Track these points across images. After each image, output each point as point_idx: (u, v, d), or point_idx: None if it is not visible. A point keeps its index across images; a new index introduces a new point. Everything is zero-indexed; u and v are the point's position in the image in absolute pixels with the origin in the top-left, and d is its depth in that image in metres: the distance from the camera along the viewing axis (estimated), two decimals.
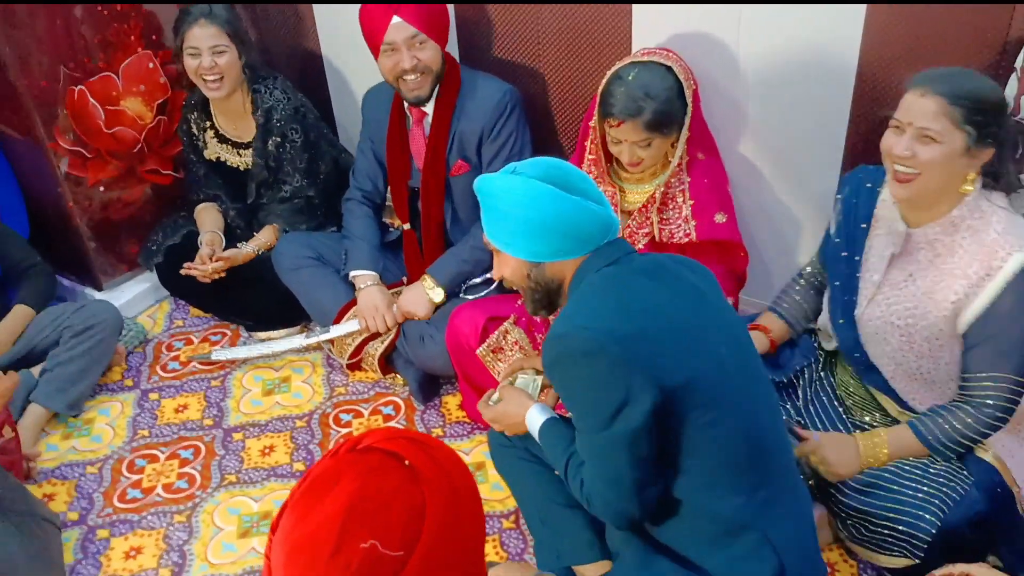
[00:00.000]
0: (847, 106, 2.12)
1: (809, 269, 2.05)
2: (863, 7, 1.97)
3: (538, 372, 1.85)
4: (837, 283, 1.87)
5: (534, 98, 2.59)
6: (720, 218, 2.12)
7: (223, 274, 2.75)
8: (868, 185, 1.82)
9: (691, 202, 2.11)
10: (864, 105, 2.10)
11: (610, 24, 2.36)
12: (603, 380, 1.41)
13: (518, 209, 1.50)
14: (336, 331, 2.59)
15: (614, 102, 1.97)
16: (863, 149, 2.14)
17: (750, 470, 1.49)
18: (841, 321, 1.86)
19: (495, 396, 1.81)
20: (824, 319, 1.96)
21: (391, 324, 2.51)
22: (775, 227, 2.40)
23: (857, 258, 1.82)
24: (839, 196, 1.88)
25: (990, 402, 1.67)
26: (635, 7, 2.27)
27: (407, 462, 0.98)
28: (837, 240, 1.87)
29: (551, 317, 2.20)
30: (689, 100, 2.00)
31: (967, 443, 1.72)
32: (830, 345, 1.99)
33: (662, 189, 2.10)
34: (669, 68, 1.98)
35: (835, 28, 2.04)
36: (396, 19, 2.27)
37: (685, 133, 2.03)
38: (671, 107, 1.98)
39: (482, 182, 1.57)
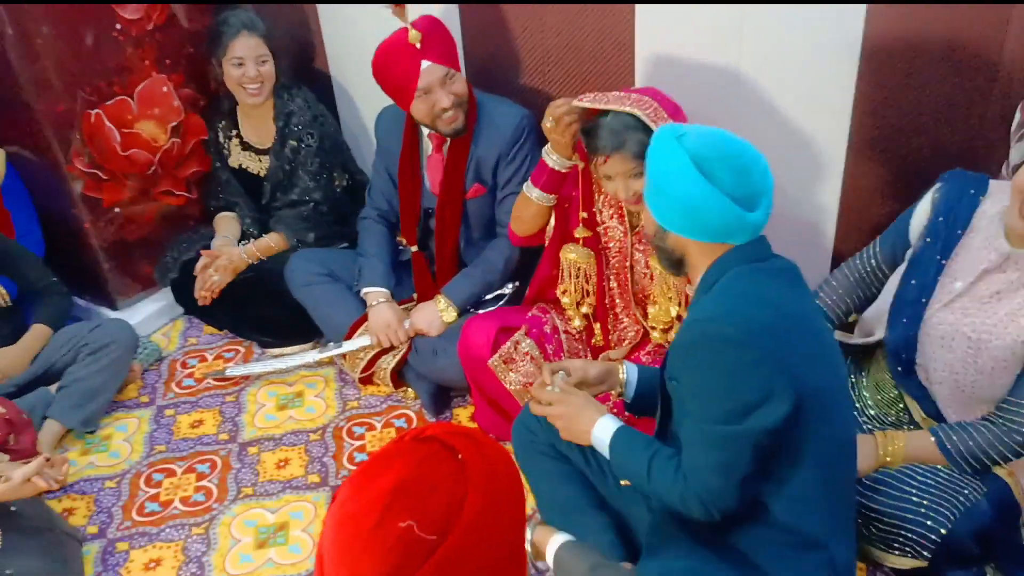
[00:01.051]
0: (845, 133, 2.18)
1: (861, 260, 1.97)
2: (860, 34, 2.02)
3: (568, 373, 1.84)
4: (913, 281, 1.81)
5: (539, 118, 2.64)
6: None
7: (217, 293, 2.81)
8: (971, 191, 1.77)
9: None
10: (864, 129, 2.16)
11: (614, 45, 2.42)
12: (746, 373, 1.41)
13: (656, 176, 1.51)
14: (348, 346, 2.63)
15: (598, 141, 1.95)
16: (863, 175, 2.20)
17: (837, 490, 1.52)
18: (904, 320, 1.81)
19: (551, 387, 1.78)
20: (876, 311, 1.91)
21: (403, 340, 2.55)
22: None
23: (944, 261, 1.77)
24: (936, 194, 1.81)
25: (1022, 430, 1.69)
26: (637, 31, 2.33)
27: (460, 456, 1.05)
28: (928, 240, 1.80)
29: (579, 326, 2.28)
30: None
31: (987, 461, 1.74)
32: (860, 339, 1.95)
33: None
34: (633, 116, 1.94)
35: (831, 64, 2.10)
36: (427, 63, 2.27)
37: None
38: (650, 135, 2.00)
39: (653, 137, 1.56)
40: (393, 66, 2.31)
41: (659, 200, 1.52)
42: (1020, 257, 1.67)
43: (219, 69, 2.76)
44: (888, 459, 1.81)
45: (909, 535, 1.73)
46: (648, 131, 1.89)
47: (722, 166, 1.46)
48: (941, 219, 1.78)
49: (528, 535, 1.83)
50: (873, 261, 1.95)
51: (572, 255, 2.22)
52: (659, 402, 1.68)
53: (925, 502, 1.73)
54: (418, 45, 2.26)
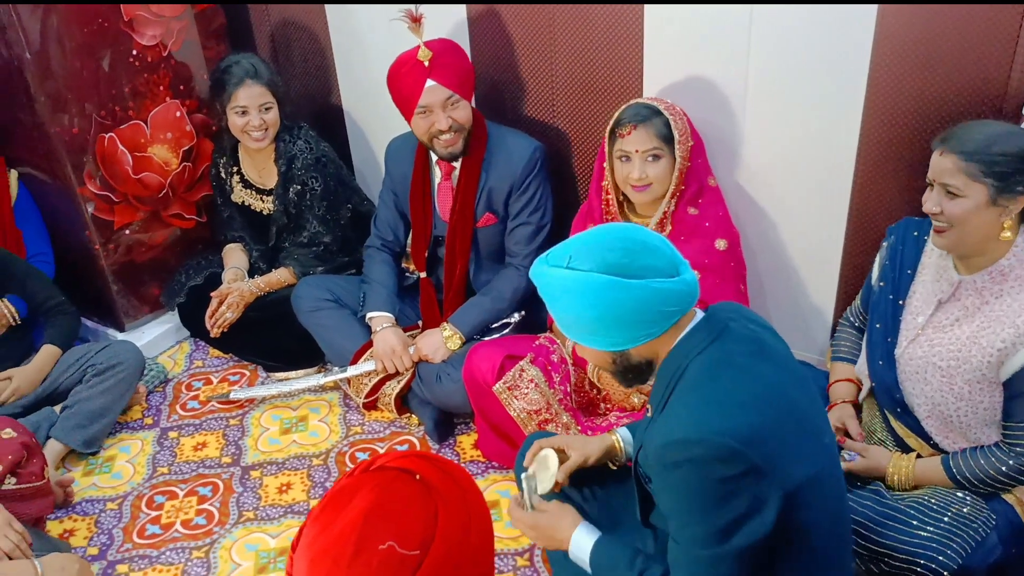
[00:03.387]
0: (851, 162, 2.19)
1: (851, 313, 2.15)
2: (869, 47, 2.04)
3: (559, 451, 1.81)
4: (878, 325, 1.93)
5: (549, 148, 2.67)
6: (721, 244, 2.18)
7: (227, 328, 2.83)
8: (915, 234, 1.90)
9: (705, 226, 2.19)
10: (869, 157, 2.17)
11: (621, 74, 2.45)
12: (730, 489, 1.32)
13: (581, 308, 1.39)
14: (352, 371, 2.64)
15: (625, 115, 2.10)
16: (870, 192, 2.21)
17: (834, 567, 1.49)
18: (880, 363, 1.91)
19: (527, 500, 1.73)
20: (861, 362, 2.02)
21: (408, 365, 2.56)
22: (778, 271, 2.45)
23: (901, 302, 1.89)
24: (885, 243, 1.97)
25: None
26: (646, 56, 2.36)
27: (418, 476, 1.07)
28: (882, 283, 1.94)
29: (595, 376, 2.27)
30: (677, 130, 2.09)
31: (992, 483, 1.76)
32: (861, 397, 2.05)
33: (669, 225, 2.17)
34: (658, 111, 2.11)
35: (841, 77, 2.11)
36: (431, 82, 2.33)
37: (681, 164, 2.11)
38: (673, 125, 2.09)
39: (538, 276, 1.46)
40: (401, 78, 2.38)
41: (607, 330, 1.41)
42: (969, 283, 1.76)
43: (223, 115, 2.78)
44: (897, 477, 1.85)
45: (920, 570, 1.72)
46: (670, 119, 2.08)
47: (625, 258, 1.37)
48: (888, 264, 1.93)
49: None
50: (856, 311, 2.14)
51: None
52: (636, 491, 1.63)
53: (937, 536, 1.72)
54: (426, 63, 2.32)
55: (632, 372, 1.50)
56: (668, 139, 2.09)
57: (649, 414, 1.52)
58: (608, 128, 2.15)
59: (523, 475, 1.75)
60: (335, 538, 1.01)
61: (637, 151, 2.09)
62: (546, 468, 1.77)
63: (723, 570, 1.37)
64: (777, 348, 1.50)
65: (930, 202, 1.71)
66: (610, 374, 1.54)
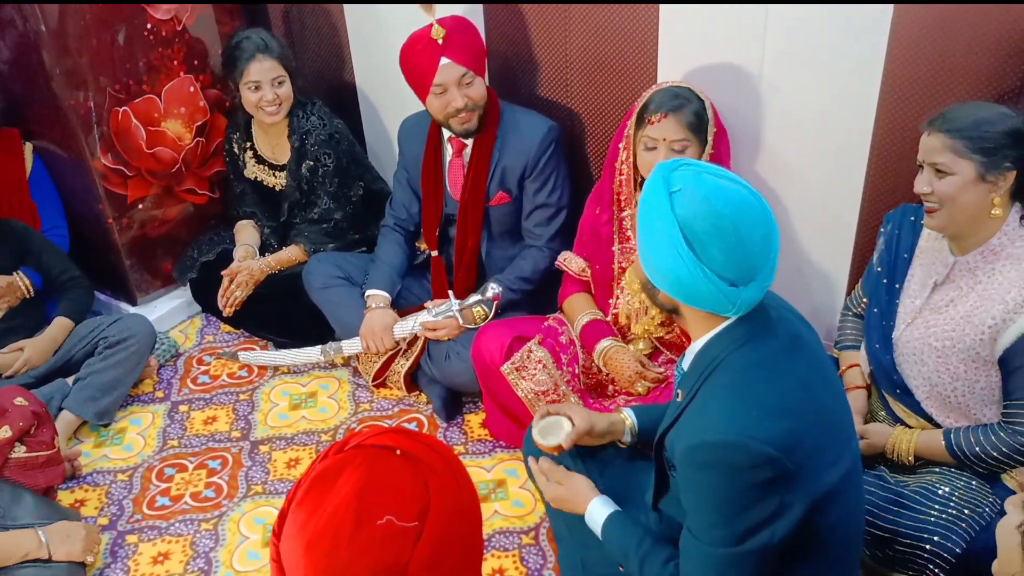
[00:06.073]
0: (866, 148, 2.17)
1: (852, 301, 2.18)
2: (887, 30, 2.01)
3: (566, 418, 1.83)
4: (876, 309, 1.97)
5: (563, 128, 2.66)
6: None
7: (239, 306, 2.85)
8: (912, 219, 1.94)
9: None
10: (884, 144, 2.15)
11: (636, 54, 2.43)
12: (758, 495, 1.32)
13: (644, 232, 1.39)
14: (347, 346, 2.67)
15: (655, 101, 2.07)
16: (884, 177, 2.19)
17: (844, 560, 1.49)
18: (877, 345, 1.94)
19: (552, 474, 1.79)
20: (862, 348, 2.05)
21: (389, 346, 2.56)
22: (790, 255, 2.44)
23: (898, 286, 1.92)
24: (883, 230, 2.00)
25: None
26: (661, 40, 2.35)
27: (398, 451, 1.08)
28: (879, 269, 1.98)
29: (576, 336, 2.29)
30: (710, 116, 2.08)
31: (991, 461, 1.76)
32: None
33: None
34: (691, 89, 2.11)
35: (855, 74, 2.09)
36: (445, 60, 2.32)
37: (708, 150, 2.10)
38: (705, 115, 2.07)
39: (658, 171, 1.39)
40: (414, 57, 2.37)
41: (646, 257, 1.41)
42: (963, 263, 1.79)
43: (236, 91, 2.78)
44: (900, 447, 1.88)
45: (926, 554, 1.72)
46: (703, 108, 2.06)
47: (714, 242, 1.31)
48: (884, 249, 1.98)
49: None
50: (857, 298, 2.16)
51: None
52: (655, 475, 1.63)
53: (943, 519, 1.73)
54: (440, 41, 2.31)
55: (656, 300, 1.50)
56: (696, 128, 2.06)
57: (679, 398, 1.50)
58: (636, 110, 2.12)
59: (534, 426, 1.79)
60: (329, 519, 1.01)
61: (665, 139, 2.06)
62: (560, 429, 1.78)
63: (738, 570, 1.37)
64: (810, 342, 1.48)
65: (920, 183, 1.75)
66: (643, 287, 1.53)
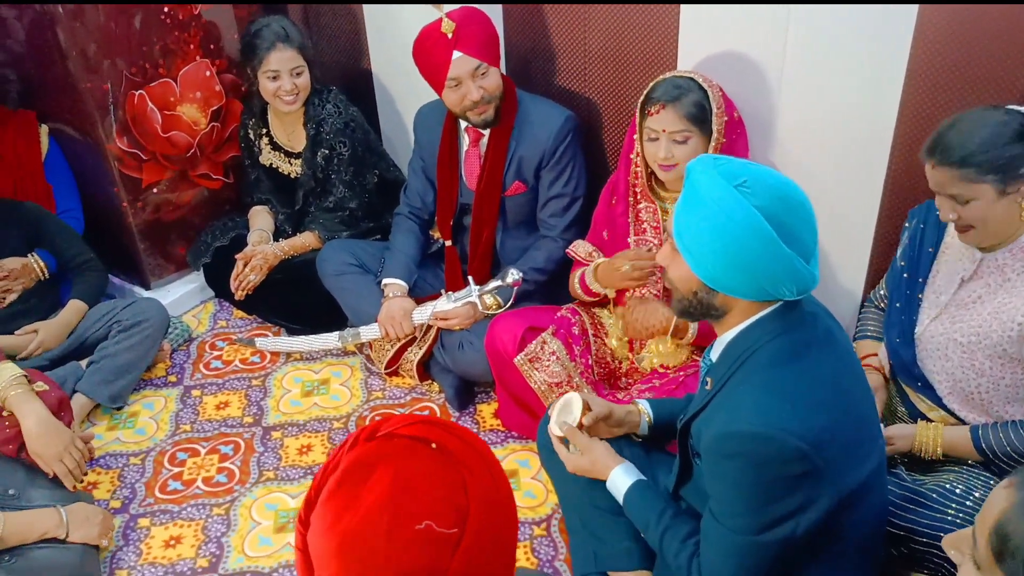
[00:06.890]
0: (887, 146, 2.15)
1: (875, 296, 2.17)
2: (912, 21, 1.99)
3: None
4: (898, 304, 1.95)
5: (581, 119, 2.64)
6: None
7: (251, 291, 2.84)
8: (937, 214, 1.88)
9: None
10: (906, 142, 2.12)
11: (655, 46, 2.41)
12: (785, 488, 1.31)
13: (724, 234, 1.31)
14: (364, 332, 2.67)
15: (656, 92, 2.06)
16: (906, 170, 2.17)
17: (867, 556, 1.48)
18: (898, 340, 1.93)
19: (571, 444, 1.78)
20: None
21: (408, 332, 2.57)
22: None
23: (921, 280, 1.90)
24: (907, 226, 1.98)
25: None
26: (681, 31, 2.32)
27: (433, 444, 1.01)
28: (902, 263, 1.96)
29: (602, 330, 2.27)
30: (715, 105, 2.05)
31: (1019, 459, 1.75)
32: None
33: None
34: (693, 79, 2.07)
35: (874, 87, 2.07)
36: (458, 54, 2.30)
37: (718, 139, 2.07)
38: (708, 104, 2.04)
39: (698, 175, 1.35)
40: (427, 53, 2.35)
41: (725, 268, 1.34)
42: (991, 260, 1.76)
43: (254, 79, 2.77)
44: (926, 444, 1.85)
45: (944, 553, 1.70)
46: (704, 98, 2.02)
47: (794, 221, 1.30)
48: (908, 244, 1.95)
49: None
50: (885, 296, 2.12)
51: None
52: (679, 462, 1.63)
53: (960, 518, 1.71)
54: (450, 35, 2.29)
55: (701, 309, 1.44)
56: (698, 119, 2.03)
57: (708, 387, 1.49)
58: (639, 102, 2.12)
59: (551, 407, 1.79)
60: (363, 519, 0.95)
61: (664, 131, 2.04)
62: (569, 411, 1.79)
63: (757, 556, 1.38)
64: (841, 339, 1.47)
65: (944, 211, 1.72)
66: (678, 300, 1.47)
